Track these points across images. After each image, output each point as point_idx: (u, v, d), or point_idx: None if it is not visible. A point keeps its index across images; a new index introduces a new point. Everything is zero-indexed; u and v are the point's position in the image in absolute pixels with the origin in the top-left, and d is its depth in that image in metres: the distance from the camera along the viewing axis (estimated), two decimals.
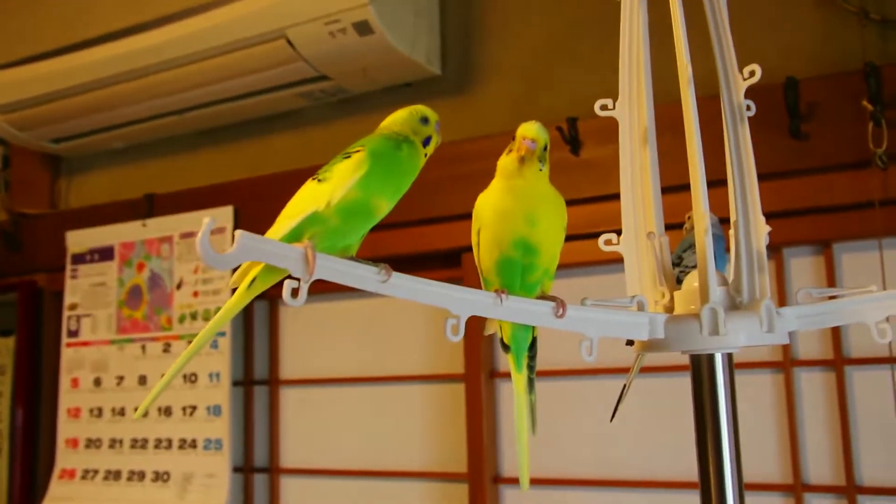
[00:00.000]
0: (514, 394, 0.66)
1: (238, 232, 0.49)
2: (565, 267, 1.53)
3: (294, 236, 0.55)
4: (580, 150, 1.53)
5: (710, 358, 0.63)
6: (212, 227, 0.48)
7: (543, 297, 0.62)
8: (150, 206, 2.03)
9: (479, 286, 0.66)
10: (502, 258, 0.63)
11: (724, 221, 0.76)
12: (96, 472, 1.96)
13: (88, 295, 2.08)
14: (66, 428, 2.05)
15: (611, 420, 0.82)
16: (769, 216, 0.65)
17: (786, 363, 1.39)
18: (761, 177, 0.65)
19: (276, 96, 1.81)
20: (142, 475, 1.90)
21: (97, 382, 2.02)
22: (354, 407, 1.82)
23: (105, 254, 2.07)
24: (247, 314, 1.95)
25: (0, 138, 2.15)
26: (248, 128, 2.01)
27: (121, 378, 1.99)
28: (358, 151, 0.57)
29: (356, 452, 1.80)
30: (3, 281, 2.23)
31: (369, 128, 0.63)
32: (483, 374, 1.61)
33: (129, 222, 2.04)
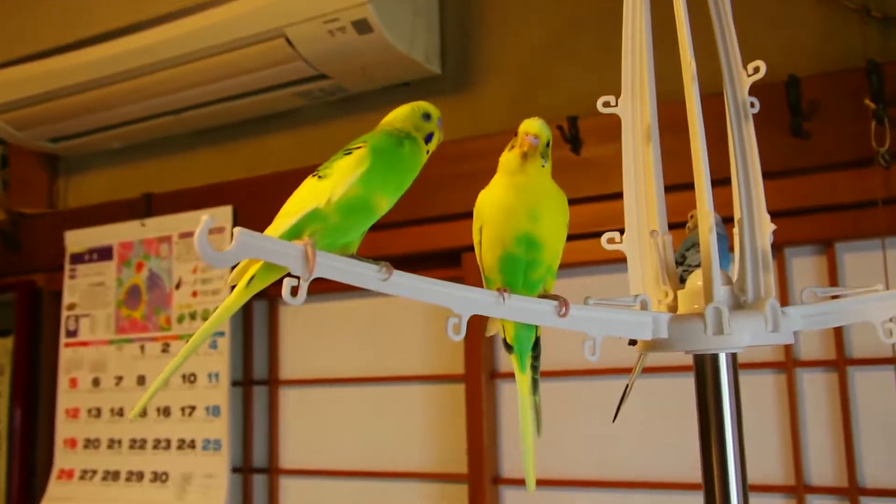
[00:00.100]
0: (517, 395, 0.65)
1: (237, 229, 0.48)
2: (568, 266, 1.52)
3: (294, 234, 0.54)
4: (581, 149, 1.52)
5: (714, 358, 0.62)
6: (210, 224, 0.48)
7: (546, 295, 0.62)
8: (148, 206, 2.02)
9: (480, 285, 0.65)
10: (505, 255, 0.62)
11: (727, 220, 0.76)
12: (95, 472, 1.96)
13: (87, 295, 2.07)
14: (64, 428, 2.04)
15: (613, 421, 0.81)
16: (771, 215, 0.65)
17: (788, 363, 1.38)
18: (763, 175, 0.64)
19: (274, 95, 1.81)
20: (140, 475, 1.89)
21: (96, 382, 2.01)
22: (354, 407, 1.81)
23: (104, 253, 2.07)
24: (246, 314, 1.94)
25: None
26: (246, 127, 2.01)
27: (119, 378, 1.98)
28: (359, 148, 0.56)
29: (356, 453, 1.79)
30: (2, 281, 2.22)
31: (368, 127, 0.62)
32: (483, 374, 1.61)
33: (128, 222, 2.03)
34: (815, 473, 1.36)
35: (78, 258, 2.10)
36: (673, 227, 0.71)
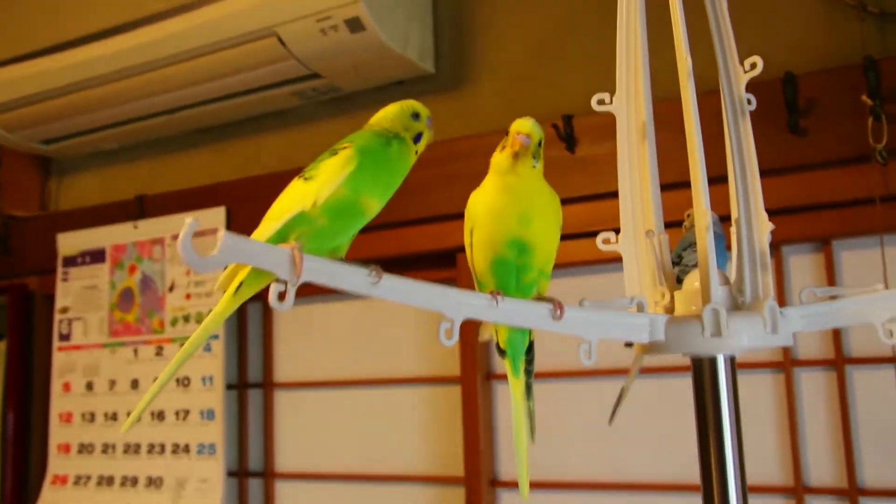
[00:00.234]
0: (511, 400, 0.64)
1: (221, 233, 0.46)
2: (562, 267, 1.51)
3: (280, 237, 0.53)
4: (576, 148, 1.51)
5: (712, 360, 0.61)
6: (195, 228, 0.46)
7: (540, 298, 0.60)
8: (140, 208, 2.01)
9: (473, 287, 0.64)
10: (496, 258, 0.60)
11: (723, 219, 0.75)
12: (89, 477, 1.94)
13: (80, 298, 2.05)
14: (57, 433, 2.02)
15: (609, 423, 0.80)
16: (768, 213, 0.63)
17: (786, 363, 1.37)
18: (759, 173, 0.63)
19: (267, 95, 1.79)
20: (135, 481, 1.87)
21: (89, 386, 2.00)
22: (350, 410, 1.80)
23: (96, 256, 2.05)
24: (240, 316, 1.93)
25: None
26: (239, 127, 1.99)
27: (113, 382, 1.96)
28: (345, 148, 0.55)
29: (352, 456, 1.78)
30: None
31: (362, 126, 0.61)
32: (479, 376, 1.59)
33: (121, 224, 2.02)
34: (815, 474, 1.34)
35: (70, 261, 2.09)
36: (669, 226, 0.69)
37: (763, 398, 1.39)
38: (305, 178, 0.55)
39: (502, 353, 0.64)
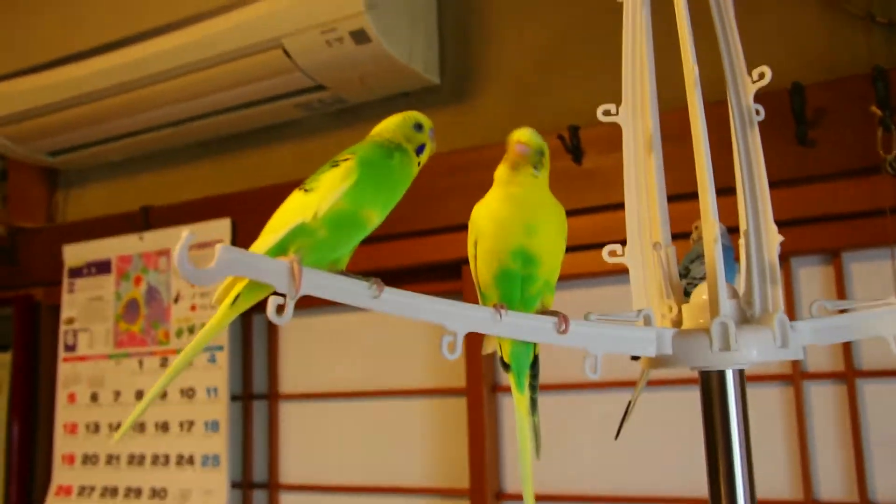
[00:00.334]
0: (515, 415, 0.63)
1: (218, 245, 0.46)
2: (568, 279, 1.50)
3: (279, 249, 0.52)
4: (582, 159, 1.50)
5: (721, 374, 0.60)
6: (191, 240, 0.46)
7: (545, 311, 0.59)
8: (146, 219, 2.01)
9: (478, 300, 0.63)
10: (501, 270, 0.59)
11: (731, 231, 0.74)
12: (93, 488, 1.93)
13: (85, 309, 2.05)
14: (62, 443, 2.01)
15: (615, 437, 0.79)
16: (776, 225, 0.62)
17: (795, 376, 1.35)
18: (768, 184, 0.62)
19: (273, 107, 1.79)
20: (139, 492, 1.86)
21: (94, 398, 1.99)
22: (355, 422, 1.79)
23: (102, 267, 2.05)
24: (245, 327, 1.92)
25: None
26: (245, 139, 1.99)
27: (118, 393, 1.95)
28: (347, 160, 0.54)
29: (357, 468, 1.77)
30: (0, 295, 2.21)
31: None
32: (485, 388, 1.58)
33: (126, 235, 2.02)
34: (825, 488, 1.33)
35: (76, 272, 2.09)
36: (677, 238, 0.68)
37: (772, 411, 1.37)
38: (306, 190, 0.54)
39: (506, 367, 0.63)
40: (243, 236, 1.83)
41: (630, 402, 0.78)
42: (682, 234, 0.77)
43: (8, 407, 2.14)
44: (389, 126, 0.59)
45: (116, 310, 2.00)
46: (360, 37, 1.53)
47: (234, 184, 1.96)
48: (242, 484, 1.87)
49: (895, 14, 1.33)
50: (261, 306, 0.55)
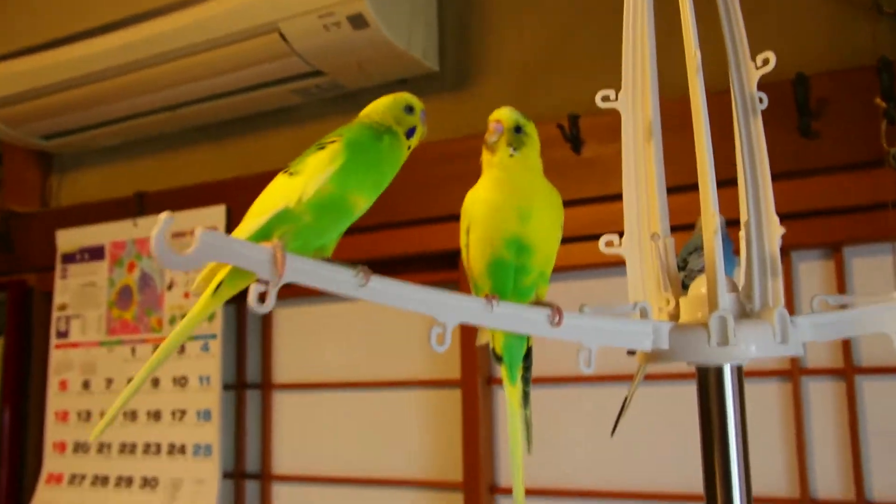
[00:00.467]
0: (507, 408, 0.61)
1: (199, 229, 0.44)
2: (563, 270, 1.48)
3: (263, 235, 0.50)
4: (581, 149, 1.48)
5: (719, 370, 0.58)
6: (170, 223, 0.44)
7: (538, 303, 0.57)
8: (140, 205, 1.99)
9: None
10: (494, 259, 0.58)
11: (731, 223, 0.72)
12: (84, 476, 1.92)
13: (78, 295, 2.03)
14: (53, 431, 2.00)
15: (611, 434, 0.77)
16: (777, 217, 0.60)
17: (794, 372, 1.34)
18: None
19: (269, 92, 1.77)
20: (129, 481, 1.85)
21: (86, 385, 1.97)
22: (349, 412, 1.77)
23: (95, 253, 2.03)
24: (239, 315, 1.90)
25: None
26: (241, 125, 1.97)
27: (110, 381, 1.94)
28: (334, 142, 0.52)
29: (350, 459, 1.75)
30: None
31: None
32: (480, 379, 1.57)
33: (120, 221, 1.99)
34: (822, 486, 1.31)
35: (69, 258, 2.07)
36: (676, 230, 0.66)
37: (769, 408, 1.36)
38: (291, 173, 0.52)
39: (499, 359, 0.61)
40: (238, 222, 1.80)
41: (626, 398, 0.76)
42: (682, 226, 0.75)
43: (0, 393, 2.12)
44: (379, 108, 0.57)
45: (109, 296, 1.98)
46: (358, 21, 1.51)
47: (229, 170, 1.94)
48: (235, 474, 1.86)
49: None
50: None
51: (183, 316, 1.83)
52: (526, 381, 0.61)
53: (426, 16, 1.67)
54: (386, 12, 1.52)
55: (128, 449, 1.87)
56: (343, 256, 0.51)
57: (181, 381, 1.82)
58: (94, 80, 1.81)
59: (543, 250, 0.58)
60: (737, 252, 0.69)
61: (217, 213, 1.83)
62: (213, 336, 1.79)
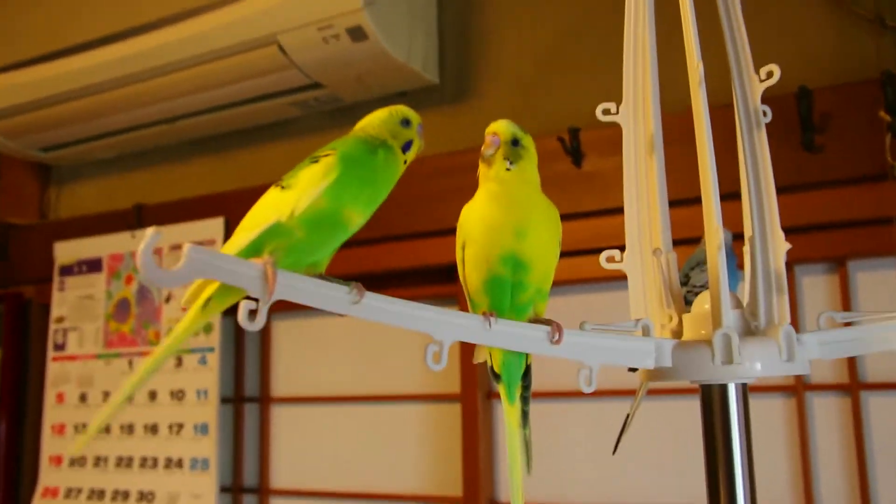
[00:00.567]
0: (506, 428, 0.59)
1: (187, 245, 0.42)
2: (563, 285, 1.46)
3: (253, 250, 0.48)
4: (582, 162, 1.47)
5: (723, 389, 0.57)
6: (157, 238, 0.42)
7: (537, 320, 0.56)
8: (139, 217, 1.97)
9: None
10: (490, 276, 0.56)
11: (734, 237, 0.70)
12: (80, 490, 1.90)
13: (76, 308, 2.02)
14: (50, 444, 1.98)
15: (613, 452, 0.76)
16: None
17: (798, 387, 1.32)
18: None
19: (268, 105, 1.76)
20: (126, 495, 1.83)
21: (83, 398, 1.96)
22: (347, 426, 1.76)
23: (93, 265, 2.02)
24: (237, 328, 1.89)
25: None
26: (240, 137, 1.96)
27: (107, 394, 1.92)
28: (328, 155, 0.50)
29: (349, 474, 1.73)
30: None
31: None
32: (480, 394, 1.55)
33: (119, 233, 1.98)
34: (827, 502, 1.29)
35: (67, 270, 2.05)
36: (678, 244, 0.65)
37: (774, 423, 1.34)
38: (283, 187, 0.51)
39: (497, 377, 0.59)
40: None
41: (628, 416, 0.75)
42: (684, 240, 0.74)
43: None
44: (375, 121, 0.55)
45: (107, 309, 1.97)
46: (357, 34, 1.50)
47: (228, 182, 1.93)
48: (232, 488, 1.84)
49: None
50: None
51: None
52: (525, 400, 0.59)
53: (426, 28, 1.66)
54: (385, 25, 1.51)
55: (124, 462, 1.85)
56: (341, 270, 0.50)
57: (178, 395, 1.80)
58: (93, 92, 1.81)
59: (541, 267, 0.56)
60: (740, 267, 0.67)
61: (216, 225, 1.82)
62: (211, 349, 1.78)
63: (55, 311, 2.04)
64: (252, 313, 0.44)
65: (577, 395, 1.49)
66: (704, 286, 0.69)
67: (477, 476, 1.53)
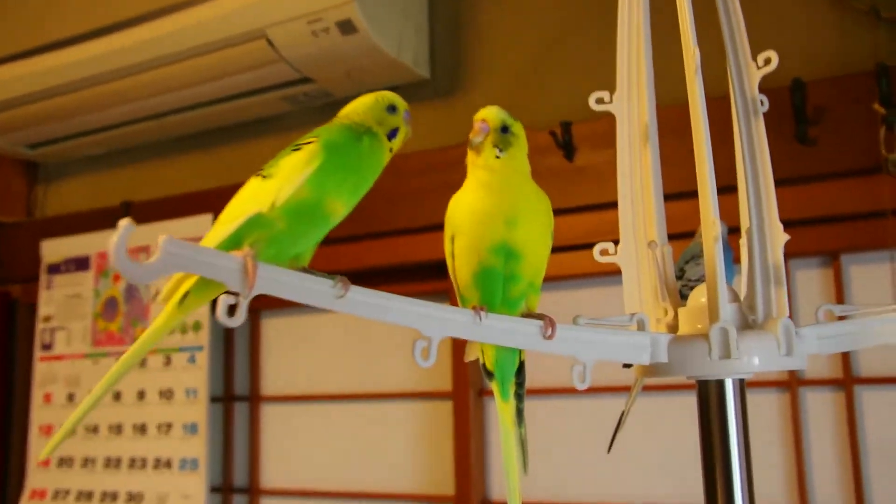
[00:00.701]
0: (500, 426, 0.58)
1: (162, 237, 0.41)
2: (556, 279, 1.45)
3: (233, 243, 0.47)
4: (574, 156, 1.45)
5: (720, 384, 0.55)
6: (130, 231, 0.41)
7: (529, 314, 0.54)
8: (127, 214, 1.95)
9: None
10: (481, 268, 0.54)
11: (730, 231, 0.69)
12: (68, 492, 1.87)
13: (63, 306, 1.99)
14: (37, 445, 1.95)
15: (608, 451, 0.74)
16: None
17: (792, 382, 1.31)
18: None
19: (257, 100, 1.74)
20: (115, 496, 1.81)
21: (70, 398, 1.93)
22: (338, 425, 1.74)
23: (81, 264, 1.99)
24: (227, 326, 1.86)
25: None
26: (229, 133, 1.94)
27: None
28: (310, 143, 0.49)
29: (340, 473, 1.72)
30: None
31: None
32: (472, 391, 1.53)
33: (106, 231, 1.96)
34: (820, 498, 1.28)
35: (54, 268, 2.03)
36: (674, 238, 0.63)
37: (768, 418, 1.33)
38: (264, 177, 0.49)
39: (489, 375, 0.58)
40: None
41: (623, 413, 0.73)
42: (680, 234, 0.73)
43: None
44: (360, 107, 0.53)
45: (95, 308, 1.94)
46: (347, 27, 1.48)
47: (217, 179, 1.91)
48: (222, 488, 1.82)
49: None
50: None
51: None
52: (519, 397, 0.57)
53: (416, 22, 1.64)
54: (375, 18, 1.49)
55: (113, 463, 1.83)
56: (329, 267, 0.48)
57: (167, 394, 1.78)
58: (80, 88, 1.78)
59: (533, 257, 0.55)
60: (737, 260, 0.66)
61: (204, 221, 1.80)
62: (200, 348, 1.75)
63: (42, 311, 2.02)
64: (232, 308, 0.43)
65: (571, 391, 1.47)
66: (700, 280, 0.67)
67: (469, 475, 1.51)
